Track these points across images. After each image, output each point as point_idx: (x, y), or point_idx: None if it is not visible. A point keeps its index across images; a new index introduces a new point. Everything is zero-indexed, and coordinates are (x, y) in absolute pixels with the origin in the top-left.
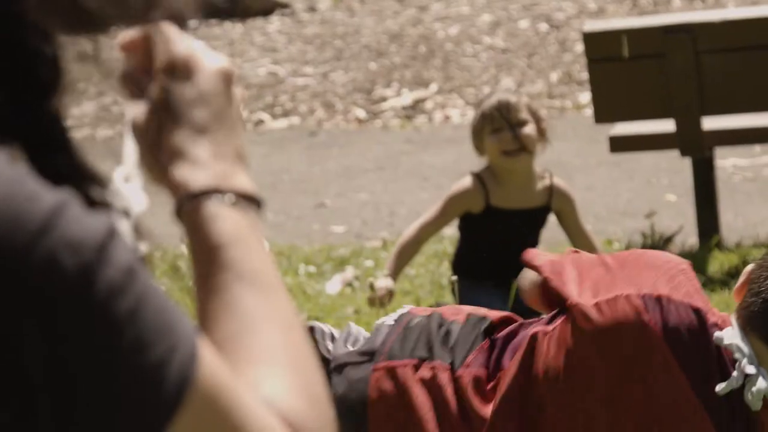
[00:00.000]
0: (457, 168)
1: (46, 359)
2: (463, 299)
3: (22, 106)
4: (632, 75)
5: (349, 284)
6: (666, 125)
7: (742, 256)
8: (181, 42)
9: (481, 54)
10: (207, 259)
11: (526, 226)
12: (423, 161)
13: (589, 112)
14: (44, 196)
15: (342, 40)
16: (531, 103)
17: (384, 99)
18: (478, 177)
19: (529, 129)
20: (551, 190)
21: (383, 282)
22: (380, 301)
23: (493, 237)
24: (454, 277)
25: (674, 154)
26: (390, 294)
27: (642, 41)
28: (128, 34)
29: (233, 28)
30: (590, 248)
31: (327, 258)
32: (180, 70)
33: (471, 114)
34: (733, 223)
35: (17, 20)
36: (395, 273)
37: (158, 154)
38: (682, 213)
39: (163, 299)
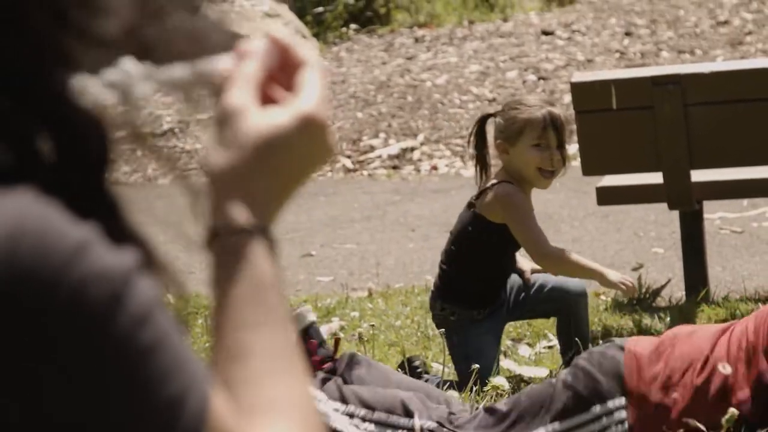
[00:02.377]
0: (444, 218)
1: (65, 389)
2: (465, 337)
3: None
4: (620, 127)
5: (334, 335)
6: (654, 178)
7: (729, 309)
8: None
9: (469, 104)
10: (245, 297)
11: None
12: (410, 211)
13: (577, 163)
14: (71, 231)
15: (329, 89)
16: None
17: (371, 149)
18: (510, 183)
19: (565, 152)
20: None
21: (616, 275)
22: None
23: (505, 249)
24: (442, 330)
25: (662, 206)
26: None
27: (630, 93)
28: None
29: None
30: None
31: (313, 308)
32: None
33: (458, 165)
34: (720, 276)
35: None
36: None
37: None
38: (670, 266)
39: (179, 339)
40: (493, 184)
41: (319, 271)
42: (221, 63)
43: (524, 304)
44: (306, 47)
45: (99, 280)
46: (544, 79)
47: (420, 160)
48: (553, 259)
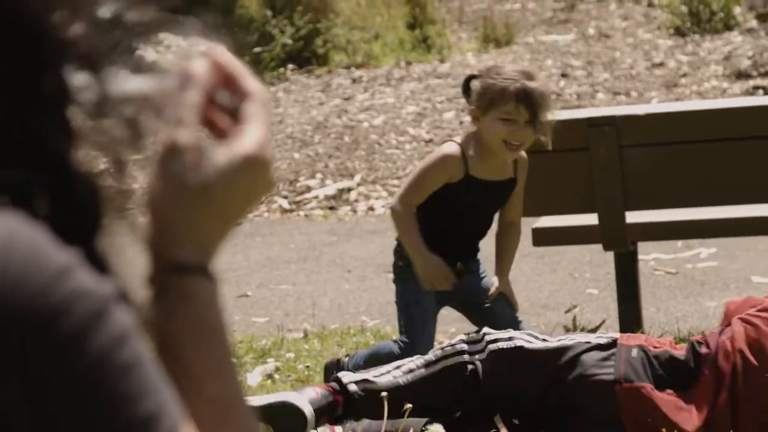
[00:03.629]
0: (381, 260)
1: (44, 400)
2: (406, 285)
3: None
4: (556, 168)
5: (270, 376)
6: (589, 219)
7: None
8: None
9: (406, 145)
10: (189, 337)
11: (495, 198)
12: (346, 252)
13: None
14: (58, 253)
15: (272, 123)
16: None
17: (308, 189)
18: (460, 146)
19: (539, 126)
20: (516, 161)
21: (434, 262)
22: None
23: (465, 209)
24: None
25: (597, 247)
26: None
27: (566, 134)
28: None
29: None
30: (516, 220)
31: (248, 349)
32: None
33: None
34: (655, 317)
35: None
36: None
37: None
38: (605, 307)
39: (154, 364)
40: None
41: (254, 312)
42: (163, 83)
43: (471, 304)
44: (251, 75)
45: (82, 299)
46: None
47: (357, 200)
48: (394, 214)
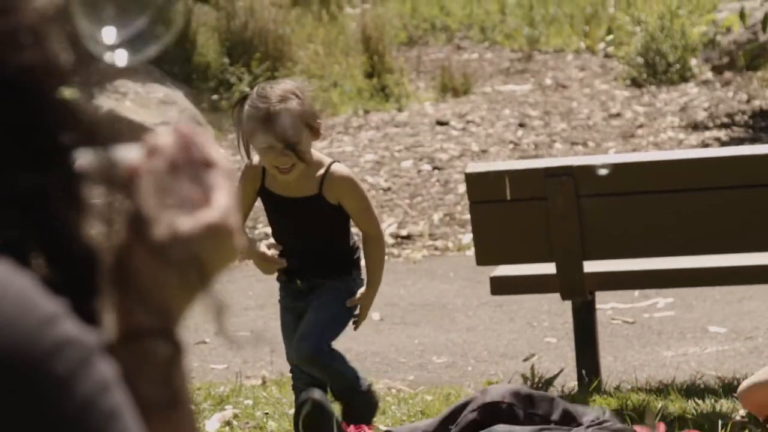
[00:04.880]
0: None
1: None
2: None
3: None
4: (514, 217)
5: (228, 423)
6: (547, 268)
7: (621, 399)
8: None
9: None
10: (152, 402)
11: (302, 215)
12: None
13: (471, 252)
14: (46, 301)
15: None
16: (303, 105)
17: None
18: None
19: (303, 143)
20: (323, 179)
21: (256, 254)
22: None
23: (281, 226)
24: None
25: (555, 296)
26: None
27: (524, 184)
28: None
29: None
30: (368, 233)
31: (207, 396)
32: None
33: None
34: (612, 366)
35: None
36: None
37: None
38: (563, 356)
39: (133, 415)
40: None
41: (212, 359)
42: (129, 154)
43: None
44: (214, 146)
45: (69, 346)
46: (438, 168)
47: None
48: None
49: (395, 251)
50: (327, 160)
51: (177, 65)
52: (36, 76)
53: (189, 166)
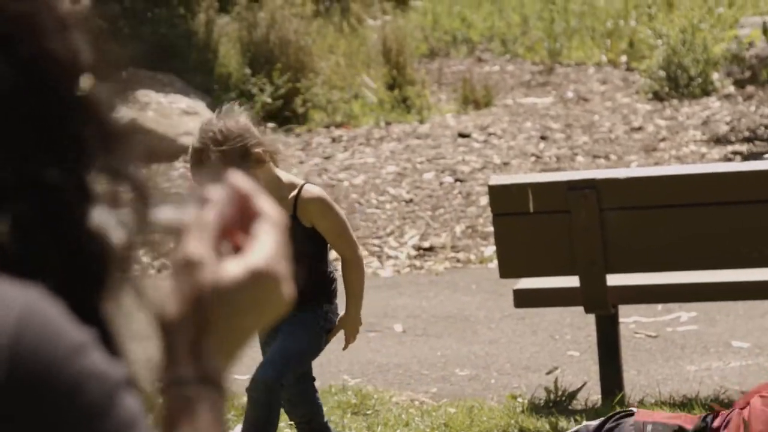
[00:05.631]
0: (362, 318)
1: None
2: None
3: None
4: (537, 230)
5: None
6: (570, 281)
7: None
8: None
9: (386, 205)
10: None
11: None
12: None
13: (493, 265)
14: (74, 330)
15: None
16: (227, 139)
17: None
18: None
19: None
20: (296, 201)
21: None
22: None
23: None
24: None
25: (578, 309)
26: None
27: (547, 196)
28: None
29: None
30: (344, 256)
31: (230, 407)
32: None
33: (375, 265)
34: (636, 380)
35: (82, 228)
36: None
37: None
38: (586, 369)
39: None
40: None
41: (236, 370)
42: (185, 213)
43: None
44: (263, 196)
45: (95, 380)
46: (460, 180)
47: (337, 259)
48: None
49: (417, 263)
50: (299, 182)
51: (199, 75)
52: (58, 66)
53: (240, 216)
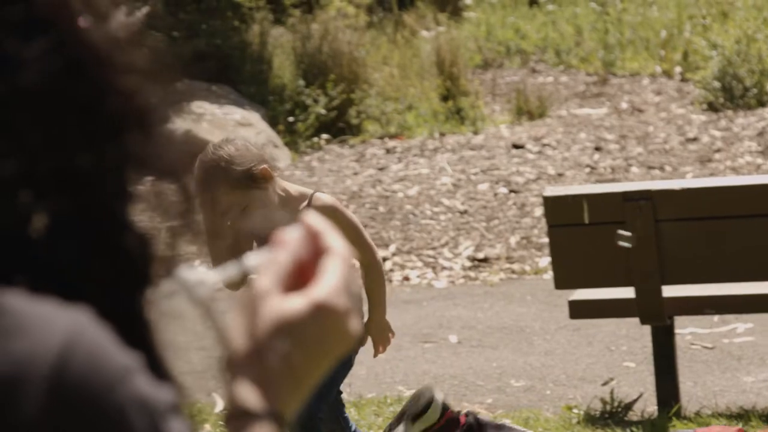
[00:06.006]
0: (417, 329)
1: None
2: None
3: (112, 302)
4: (592, 241)
5: None
6: (626, 292)
7: (701, 425)
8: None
9: (441, 216)
10: None
11: None
12: None
13: (549, 276)
14: (120, 356)
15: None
16: (231, 158)
17: None
18: None
19: (256, 200)
20: (309, 208)
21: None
22: None
23: None
24: None
25: (634, 320)
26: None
27: (602, 208)
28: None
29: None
30: (362, 261)
31: None
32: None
33: (430, 276)
34: (692, 391)
35: (122, 224)
36: None
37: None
38: (642, 380)
39: None
40: None
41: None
42: (262, 258)
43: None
44: (333, 233)
45: (141, 408)
46: (515, 192)
47: (392, 270)
48: None
49: (472, 274)
50: (308, 192)
51: (253, 87)
52: (101, 55)
53: (313, 255)
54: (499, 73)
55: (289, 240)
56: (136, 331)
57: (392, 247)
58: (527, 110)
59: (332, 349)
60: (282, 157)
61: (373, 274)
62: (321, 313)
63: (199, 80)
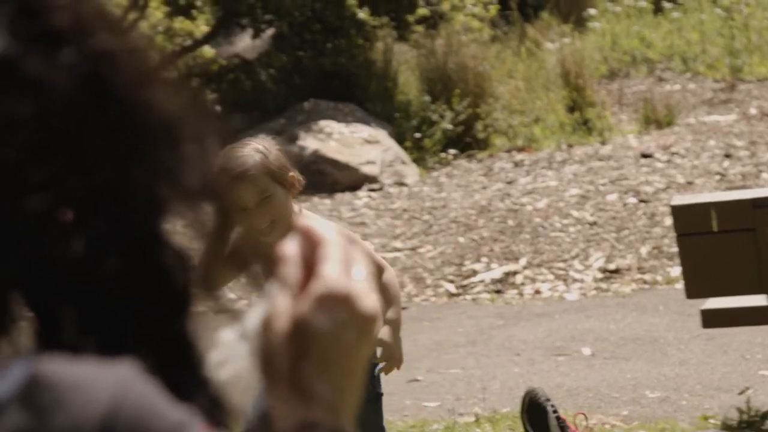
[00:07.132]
0: (550, 343)
1: None
2: None
3: (156, 324)
4: (722, 249)
5: None
6: (759, 300)
7: None
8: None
9: (570, 228)
10: None
11: None
12: (514, 335)
13: (680, 285)
14: (170, 412)
15: (430, 214)
16: (268, 160)
17: (474, 273)
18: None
19: (277, 199)
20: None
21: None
22: None
23: None
24: None
25: None
26: None
27: (731, 215)
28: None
29: (321, 203)
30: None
31: None
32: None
33: (561, 288)
34: None
35: (159, 242)
36: None
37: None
38: None
39: None
40: None
41: (425, 397)
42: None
43: None
44: (323, 225)
45: None
46: (644, 201)
47: (523, 284)
48: None
49: (603, 285)
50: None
51: (379, 104)
52: (122, 68)
53: (311, 254)
54: (626, 83)
55: (291, 252)
56: (180, 353)
57: (522, 261)
58: (655, 119)
59: (356, 334)
60: (410, 173)
61: (386, 291)
62: (326, 302)
63: (326, 99)
